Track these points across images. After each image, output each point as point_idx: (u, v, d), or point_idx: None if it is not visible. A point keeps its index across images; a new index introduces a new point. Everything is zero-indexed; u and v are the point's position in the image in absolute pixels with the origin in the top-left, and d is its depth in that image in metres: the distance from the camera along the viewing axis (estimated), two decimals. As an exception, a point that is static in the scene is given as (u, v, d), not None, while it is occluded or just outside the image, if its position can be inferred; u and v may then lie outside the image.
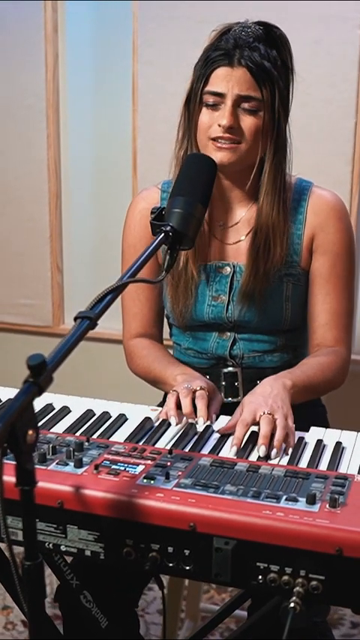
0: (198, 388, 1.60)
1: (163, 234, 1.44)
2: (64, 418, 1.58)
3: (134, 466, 1.33)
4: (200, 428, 1.52)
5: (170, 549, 1.22)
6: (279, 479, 1.29)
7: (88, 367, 2.98)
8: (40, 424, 1.52)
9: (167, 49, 2.60)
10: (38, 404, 1.61)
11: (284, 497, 1.23)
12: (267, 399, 1.52)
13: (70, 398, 1.67)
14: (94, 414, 1.59)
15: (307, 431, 1.53)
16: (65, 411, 1.61)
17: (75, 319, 1.25)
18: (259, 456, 1.41)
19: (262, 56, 1.65)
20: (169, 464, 1.34)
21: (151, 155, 2.70)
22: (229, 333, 1.83)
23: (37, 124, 2.85)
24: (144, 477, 1.29)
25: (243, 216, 1.80)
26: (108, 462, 1.34)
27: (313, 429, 1.54)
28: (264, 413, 1.48)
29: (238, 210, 1.81)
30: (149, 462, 1.35)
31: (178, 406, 1.58)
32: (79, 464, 1.32)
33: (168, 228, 1.45)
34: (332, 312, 1.79)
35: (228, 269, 1.79)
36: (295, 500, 1.22)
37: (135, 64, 2.66)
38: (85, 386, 2.99)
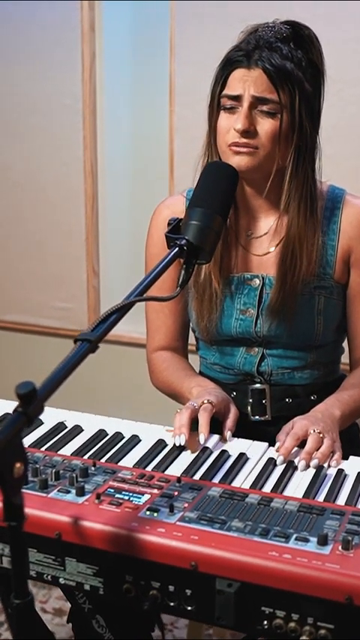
0: (205, 401, 1.53)
1: (177, 249, 1.37)
2: (75, 438, 1.51)
3: (139, 495, 1.26)
4: (201, 440, 1.45)
5: (171, 588, 1.15)
6: (291, 514, 1.21)
7: (110, 370, 2.93)
8: (49, 445, 1.48)
9: (205, 49, 2.51)
10: (50, 422, 1.56)
11: (294, 536, 1.14)
12: (319, 421, 1.50)
13: (83, 415, 1.61)
14: (107, 434, 1.53)
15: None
16: (77, 430, 1.54)
17: (75, 341, 1.18)
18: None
19: (284, 57, 1.56)
20: (176, 494, 1.26)
21: (188, 157, 2.58)
22: (257, 349, 1.74)
23: (74, 124, 2.79)
24: (147, 509, 1.21)
25: (271, 226, 1.71)
26: (112, 491, 1.28)
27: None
28: (314, 431, 1.46)
29: (266, 219, 1.72)
30: (155, 490, 1.28)
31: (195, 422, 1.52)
32: (80, 492, 1.26)
33: (183, 241, 1.37)
34: None
35: (257, 281, 1.71)
36: (306, 541, 1.13)
37: (172, 63, 2.58)
38: (104, 390, 2.93)
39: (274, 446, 1.50)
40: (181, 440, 1.45)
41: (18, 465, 1.01)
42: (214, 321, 1.73)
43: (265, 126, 1.57)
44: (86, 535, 1.18)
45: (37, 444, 1.48)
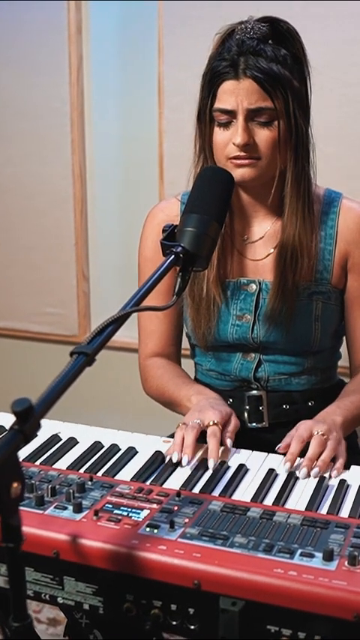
0: (211, 423, 1.48)
1: (173, 256, 1.33)
2: (70, 451, 1.48)
3: (138, 511, 1.23)
4: (211, 468, 1.40)
5: (174, 607, 1.12)
6: (295, 528, 1.18)
7: (101, 376, 2.89)
8: (44, 458, 1.45)
9: (194, 50, 2.46)
10: (44, 434, 1.53)
11: (299, 551, 1.12)
12: (323, 423, 1.48)
13: (77, 427, 1.57)
14: (102, 447, 1.49)
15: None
16: (72, 442, 1.51)
17: (71, 354, 1.14)
18: (273, 501, 1.29)
19: (269, 59, 1.53)
20: (175, 508, 1.23)
21: (178, 159, 2.58)
22: (253, 355, 1.71)
23: (62, 127, 2.75)
24: (147, 525, 1.18)
25: (268, 230, 1.68)
26: (110, 506, 1.24)
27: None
28: (317, 432, 1.44)
29: (263, 223, 1.69)
30: (155, 505, 1.25)
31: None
32: (78, 508, 1.22)
33: (179, 249, 1.34)
34: None
35: (253, 286, 1.68)
36: (311, 556, 1.10)
37: (161, 65, 2.55)
38: (95, 395, 2.90)
39: (272, 453, 1.47)
40: (184, 461, 1.41)
41: (15, 484, 0.98)
42: (212, 329, 1.70)
43: (264, 136, 1.54)
44: (85, 553, 1.15)
45: (32, 457, 1.45)
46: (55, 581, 1.18)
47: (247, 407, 1.74)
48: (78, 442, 1.52)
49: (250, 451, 1.47)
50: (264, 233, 1.69)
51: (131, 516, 1.21)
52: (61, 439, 1.52)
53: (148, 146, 2.67)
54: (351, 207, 1.67)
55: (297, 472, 1.38)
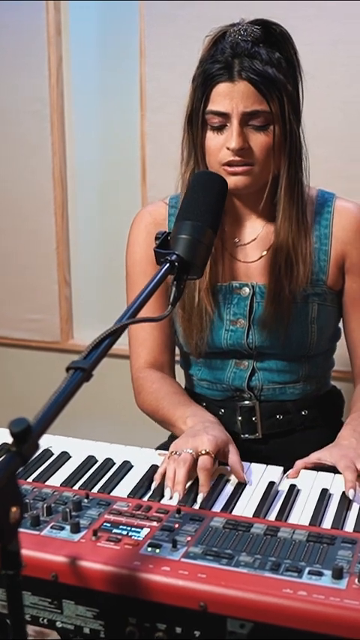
0: (202, 452, 1.38)
1: (168, 265, 1.29)
2: (63, 466, 1.44)
3: (138, 530, 1.19)
4: (198, 503, 1.31)
5: (179, 630, 1.08)
6: (300, 545, 1.14)
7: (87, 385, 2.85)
8: (36, 475, 1.40)
9: (177, 51, 2.44)
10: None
11: (307, 569, 1.08)
12: (358, 451, 1.42)
13: (69, 440, 1.53)
14: (96, 461, 1.45)
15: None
16: (64, 457, 1.46)
17: (67, 369, 1.10)
18: (276, 516, 1.26)
19: (265, 62, 1.49)
20: (176, 526, 1.19)
21: (161, 162, 2.55)
22: (247, 362, 1.68)
23: (41, 130, 2.70)
24: (148, 545, 1.14)
25: (260, 232, 1.64)
26: (108, 525, 1.20)
27: (337, 476, 1.38)
28: None
29: (255, 225, 1.66)
30: (155, 523, 1.20)
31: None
32: (75, 528, 1.18)
33: (174, 257, 1.30)
34: None
35: (247, 290, 1.64)
36: (320, 575, 1.07)
37: (143, 66, 2.50)
38: (88, 405, 2.85)
39: (270, 464, 1.43)
40: (175, 498, 1.32)
41: (14, 509, 0.94)
42: (204, 337, 1.66)
43: (259, 141, 1.51)
44: (85, 576, 1.11)
45: (24, 474, 1.40)
46: (53, 605, 1.14)
47: (240, 418, 1.71)
48: (71, 457, 1.47)
49: (248, 463, 1.43)
50: (256, 235, 1.65)
51: (131, 535, 1.17)
52: (53, 454, 1.48)
53: (129, 148, 2.63)
54: (345, 206, 1.64)
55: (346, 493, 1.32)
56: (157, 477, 1.38)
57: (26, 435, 0.94)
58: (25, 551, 1.04)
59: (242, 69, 1.48)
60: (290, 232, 1.58)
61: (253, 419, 1.70)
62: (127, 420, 2.59)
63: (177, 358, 1.85)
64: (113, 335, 1.15)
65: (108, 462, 1.44)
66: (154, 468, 1.41)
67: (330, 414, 1.79)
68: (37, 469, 1.42)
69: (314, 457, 1.44)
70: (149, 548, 1.13)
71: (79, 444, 1.52)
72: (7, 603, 0.96)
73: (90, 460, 1.45)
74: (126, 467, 1.42)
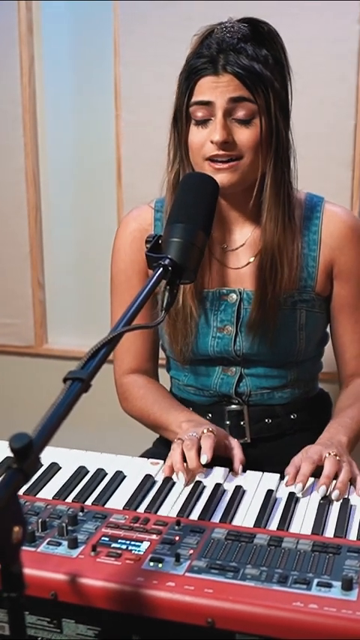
0: (205, 431, 1.43)
1: (161, 269, 1.25)
2: (54, 477, 1.39)
3: (138, 543, 1.15)
4: (203, 461, 1.37)
5: (185, 646, 1.04)
6: (306, 555, 1.12)
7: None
8: (27, 487, 1.36)
9: (152, 50, 2.41)
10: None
11: (315, 581, 1.06)
12: (331, 445, 1.42)
13: (58, 451, 1.48)
14: (87, 472, 1.41)
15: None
16: (54, 468, 1.42)
17: (64, 380, 1.06)
18: (277, 526, 1.23)
19: (251, 57, 1.46)
20: (177, 539, 1.16)
21: (137, 163, 2.51)
22: (234, 369, 1.65)
23: (13, 131, 2.64)
24: (150, 560, 1.11)
25: (248, 237, 1.61)
26: (107, 539, 1.16)
27: (334, 482, 1.36)
28: (329, 454, 1.37)
29: (242, 230, 1.62)
30: (154, 536, 1.17)
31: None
32: (73, 544, 1.14)
33: (167, 261, 1.26)
34: None
35: (234, 296, 1.61)
36: (329, 586, 1.04)
37: (117, 66, 2.46)
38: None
39: (267, 472, 1.41)
40: (183, 478, 1.36)
41: (16, 528, 0.90)
42: (190, 344, 1.63)
43: (244, 135, 1.47)
44: (86, 594, 1.07)
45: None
46: (52, 624, 1.10)
47: (228, 422, 1.68)
48: (61, 467, 1.43)
49: (245, 471, 1.41)
50: (244, 240, 1.62)
51: (131, 550, 1.13)
52: (42, 465, 1.43)
53: (104, 149, 2.58)
54: (334, 211, 1.62)
55: (316, 491, 1.32)
56: (165, 470, 1.40)
57: (28, 450, 0.91)
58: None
59: (227, 63, 1.45)
60: (276, 234, 1.55)
61: (242, 423, 1.67)
62: (105, 427, 2.55)
63: (162, 362, 1.82)
64: (110, 343, 1.12)
65: (100, 473, 1.40)
66: (147, 478, 1.37)
67: (319, 417, 1.76)
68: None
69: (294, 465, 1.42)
70: (151, 563, 1.10)
71: (68, 454, 1.48)
72: (10, 626, 0.92)
73: (81, 471, 1.41)
74: (119, 477, 1.38)
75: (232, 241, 1.63)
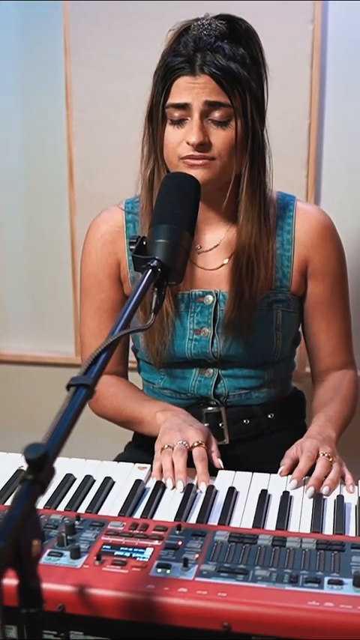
0: (195, 444, 1.41)
1: (151, 271, 1.24)
2: (41, 486, 1.36)
3: (141, 550, 1.13)
4: (202, 489, 1.34)
5: (199, 652, 1.03)
6: (312, 554, 1.12)
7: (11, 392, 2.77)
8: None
9: (104, 49, 2.38)
10: (8, 469, 1.40)
11: (326, 579, 1.06)
12: (325, 443, 1.42)
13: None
14: (75, 479, 1.38)
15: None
16: (40, 477, 1.38)
17: (68, 387, 1.03)
18: (276, 525, 1.23)
19: (228, 57, 1.46)
20: (180, 543, 1.14)
21: (89, 164, 2.48)
22: (211, 370, 1.64)
23: None
24: (157, 566, 1.09)
25: (223, 238, 1.61)
26: (109, 547, 1.14)
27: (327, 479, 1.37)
28: (324, 454, 1.38)
29: (217, 231, 1.62)
30: (156, 542, 1.15)
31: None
32: (76, 554, 1.11)
33: (155, 262, 1.25)
34: (337, 339, 1.67)
35: (210, 298, 1.60)
36: (340, 584, 1.05)
37: (68, 64, 2.42)
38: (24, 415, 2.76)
39: (256, 472, 1.41)
40: (180, 486, 1.34)
41: (35, 542, 0.87)
42: (166, 344, 1.62)
43: (220, 136, 1.47)
44: (95, 604, 1.05)
45: (0, 498, 1.32)
46: (60, 637, 1.07)
47: (207, 424, 1.66)
48: (46, 476, 1.39)
49: (234, 472, 1.40)
50: (218, 241, 1.62)
51: (136, 557, 1.11)
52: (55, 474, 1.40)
53: (55, 150, 2.54)
54: (307, 210, 1.63)
55: (305, 492, 1.32)
56: (155, 474, 1.39)
57: (42, 461, 0.88)
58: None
59: (204, 63, 1.44)
60: (252, 235, 1.55)
61: (220, 425, 1.67)
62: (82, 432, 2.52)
63: (132, 366, 1.80)
64: (109, 349, 1.10)
65: (88, 480, 1.37)
66: (138, 483, 1.35)
67: (294, 416, 1.78)
68: (13, 491, 1.34)
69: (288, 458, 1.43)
70: (159, 570, 1.08)
71: (52, 462, 1.44)
72: (27, 642, 0.90)
73: (68, 478, 1.38)
74: (108, 483, 1.36)
75: (206, 242, 1.63)
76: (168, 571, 1.08)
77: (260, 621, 1.00)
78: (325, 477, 1.34)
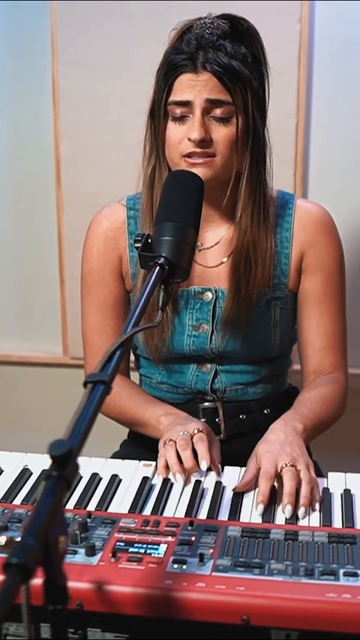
0: (196, 431, 1.43)
1: (158, 268, 1.24)
2: (48, 485, 1.36)
3: (155, 546, 1.14)
4: (204, 468, 1.36)
5: (218, 646, 1.04)
6: (325, 546, 1.13)
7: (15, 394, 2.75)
8: (23, 497, 1.33)
9: (91, 48, 2.38)
10: (14, 470, 1.40)
11: (341, 571, 1.07)
12: (284, 447, 1.36)
13: (45, 457, 1.43)
14: (81, 477, 1.38)
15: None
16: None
17: (85, 384, 1.03)
18: (286, 519, 1.24)
19: (230, 55, 1.47)
20: (193, 539, 1.15)
21: (77, 163, 2.48)
22: (209, 365, 1.65)
23: None
24: (173, 562, 1.09)
25: (223, 235, 1.62)
26: (122, 544, 1.14)
27: (330, 475, 1.38)
28: (286, 465, 1.32)
29: (217, 229, 1.63)
30: (170, 538, 1.16)
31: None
32: (91, 551, 1.11)
33: (162, 260, 1.25)
34: (328, 336, 1.64)
35: (209, 295, 1.61)
36: (356, 575, 1.06)
37: (55, 63, 2.41)
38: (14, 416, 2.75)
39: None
40: (192, 476, 1.36)
41: (62, 539, 0.87)
42: (165, 340, 1.62)
43: (221, 133, 1.48)
44: (113, 601, 1.05)
45: (7, 497, 1.31)
46: (77, 635, 1.07)
47: (203, 420, 1.68)
48: (52, 474, 1.39)
49: (239, 468, 1.41)
50: (219, 239, 1.62)
51: (150, 553, 1.12)
52: (32, 473, 1.40)
53: (42, 150, 2.53)
54: (306, 208, 1.64)
55: (282, 512, 1.25)
56: (160, 472, 1.39)
57: (68, 457, 0.88)
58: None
59: (206, 61, 1.45)
60: (250, 232, 1.56)
61: (217, 420, 1.68)
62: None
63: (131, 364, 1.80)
64: (123, 346, 1.10)
65: (95, 477, 1.37)
66: (145, 480, 1.36)
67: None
68: (19, 490, 1.34)
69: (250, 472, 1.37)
70: (175, 565, 1.09)
71: (56, 460, 1.44)
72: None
73: (75, 476, 1.37)
74: (115, 481, 1.36)
75: (207, 240, 1.63)
76: (184, 566, 1.08)
77: (279, 614, 1.01)
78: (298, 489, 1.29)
